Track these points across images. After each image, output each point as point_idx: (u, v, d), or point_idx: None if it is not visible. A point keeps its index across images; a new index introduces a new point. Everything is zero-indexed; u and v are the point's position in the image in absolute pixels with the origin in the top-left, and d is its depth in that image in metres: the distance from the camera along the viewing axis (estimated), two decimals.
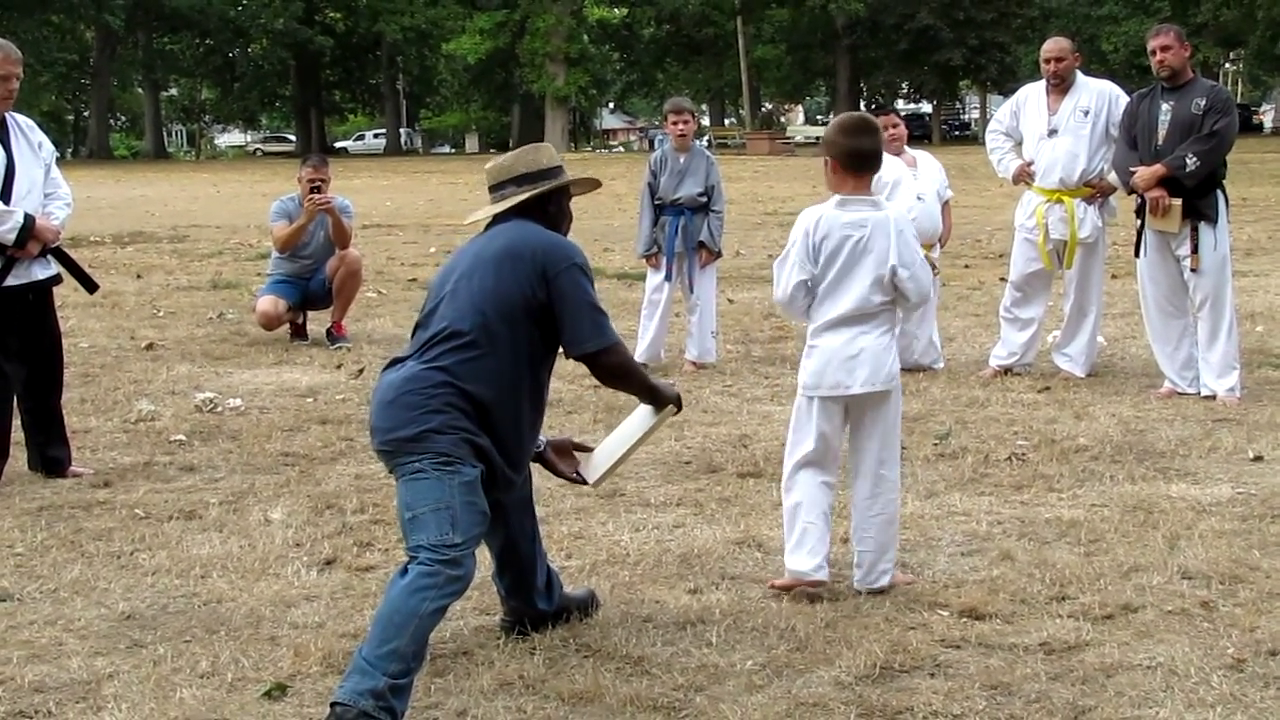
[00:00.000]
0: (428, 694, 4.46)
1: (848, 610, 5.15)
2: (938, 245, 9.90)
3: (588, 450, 5.13)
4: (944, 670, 4.58)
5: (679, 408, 5.02)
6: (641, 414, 5.02)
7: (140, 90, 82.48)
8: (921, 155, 10.10)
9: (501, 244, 4.67)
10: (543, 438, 4.97)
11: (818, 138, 68.70)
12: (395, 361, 4.67)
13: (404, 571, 4.28)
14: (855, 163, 5.29)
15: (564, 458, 5.05)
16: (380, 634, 4.15)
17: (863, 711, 4.27)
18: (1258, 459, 7.26)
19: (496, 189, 4.86)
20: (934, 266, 9.57)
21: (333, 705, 4.06)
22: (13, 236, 6.95)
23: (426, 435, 4.40)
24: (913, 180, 9.63)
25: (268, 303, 11.36)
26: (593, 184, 5.17)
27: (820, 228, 5.27)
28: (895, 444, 5.44)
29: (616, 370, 4.77)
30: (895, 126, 9.65)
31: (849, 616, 5.09)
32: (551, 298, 4.57)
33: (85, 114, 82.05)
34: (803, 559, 5.31)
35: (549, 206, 4.84)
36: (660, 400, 4.94)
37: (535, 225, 4.75)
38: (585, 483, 5.10)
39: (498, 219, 4.82)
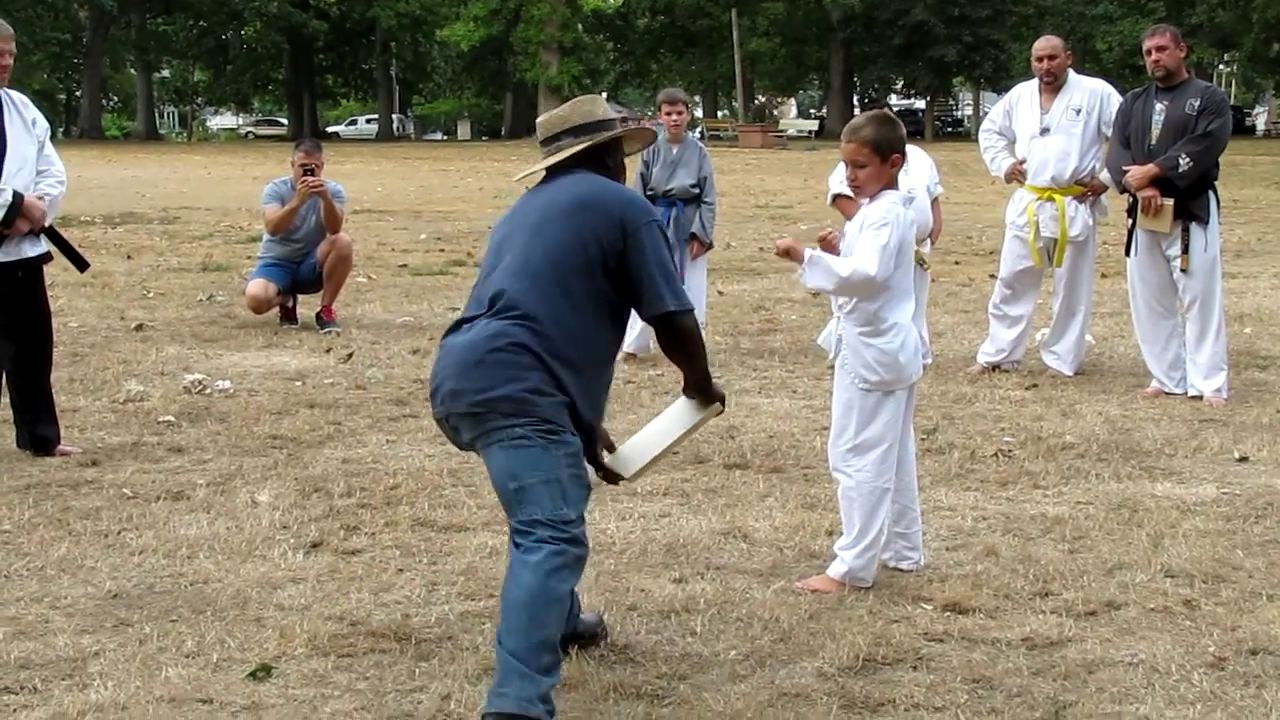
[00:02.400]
0: (412, 678, 4.48)
1: (831, 602, 5.17)
2: (929, 241, 9.90)
3: (612, 449, 4.76)
4: (926, 663, 4.60)
5: (724, 407, 4.78)
6: (683, 408, 4.74)
7: (133, 71, 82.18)
8: (912, 151, 10.03)
9: (575, 195, 4.40)
10: None
11: (810, 131, 69.15)
12: (462, 323, 4.36)
13: (520, 547, 4.07)
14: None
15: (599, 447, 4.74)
16: (527, 624, 3.95)
17: (845, 703, 4.29)
18: (1243, 460, 7.29)
19: (551, 140, 4.59)
20: (924, 262, 9.58)
21: (506, 716, 3.88)
22: (0, 215, 6.94)
23: (527, 398, 4.15)
24: (903, 177, 9.59)
25: (258, 286, 11.35)
26: (650, 136, 4.97)
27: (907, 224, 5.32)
28: None
29: (687, 336, 4.47)
30: None
31: (832, 609, 5.10)
32: (629, 252, 4.31)
33: (77, 94, 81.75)
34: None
35: (608, 159, 4.59)
36: (710, 394, 4.66)
37: (603, 177, 4.51)
38: (617, 480, 4.76)
39: (554, 172, 4.57)
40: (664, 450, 4.69)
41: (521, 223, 4.45)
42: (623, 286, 4.35)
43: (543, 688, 3.91)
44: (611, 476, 4.72)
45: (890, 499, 5.37)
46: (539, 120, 4.71)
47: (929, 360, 9.95)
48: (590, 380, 4.35)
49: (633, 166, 10.36)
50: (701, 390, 4.66)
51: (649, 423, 4.93)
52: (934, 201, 9.98)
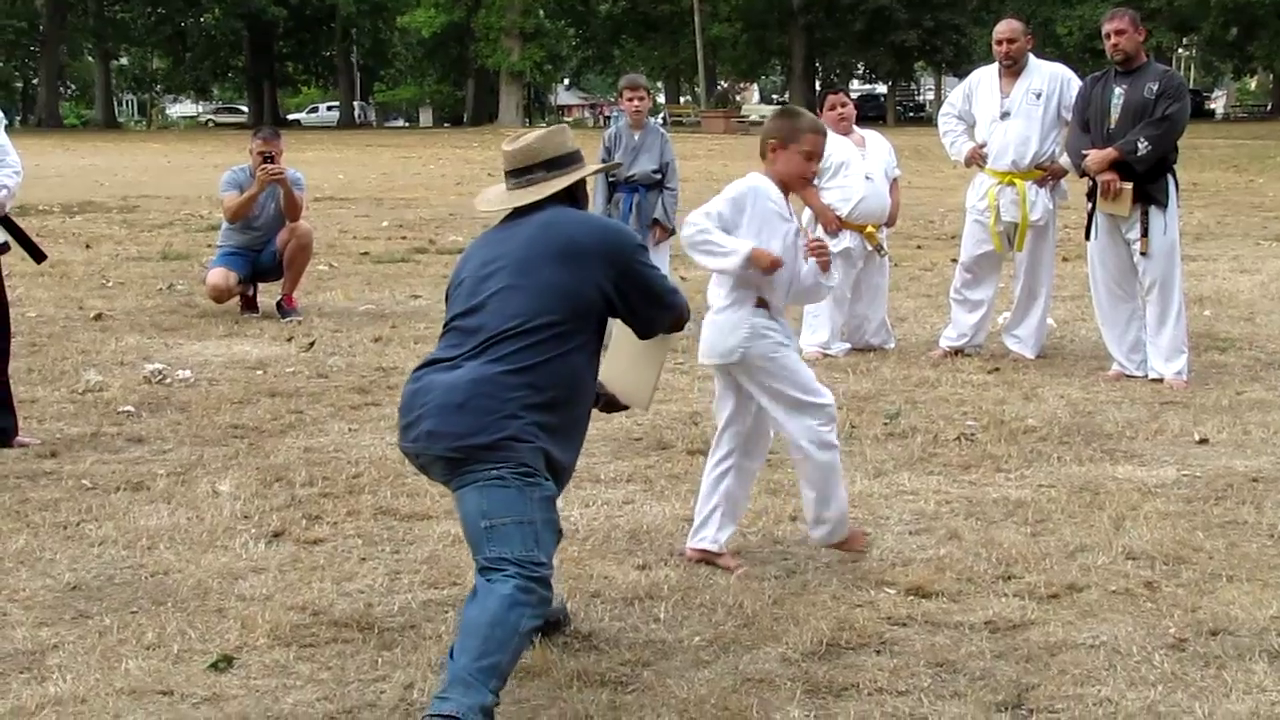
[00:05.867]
0: (375, 667, 4.46)
1: (795, 587, 5.18)
2: (885, 226, 9.92)
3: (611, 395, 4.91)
4: (890, 647, 4.61)
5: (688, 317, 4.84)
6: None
7: (91, 59, 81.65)
8: (870, 135, 10.09)
9: (565, 236, 4.40)
10: None
11: None
12: (438, 360, 4.32)
13: (489, 580, 3.99)
14: None
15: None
16: (481, 646, 3.87)
17: (809, 688, 4.29)
18: (1203, 442, 7.33)
19: (522, 173, 4.55)
20: (881, 248, 9.61)
21: (446, 717, 3.78)
22: None
23: (506, 443, 4.12)
24: (861, 160, 9.64)
25: (218, 275, 11.29)
26: (614, 168, 5.13)
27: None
28: None
29: (678, 327, 4.79)
30: (844, 106, 9.70)
31: (796, 594, 5.11)
32: (624, 292, 4.42)
33: (35, 82, 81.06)
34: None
35: (577, 192, 4.62)
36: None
37: (579, 211, 4.58)
38: (623, 408, 4.96)
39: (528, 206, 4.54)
40: (659, 372, 4.93)
41: (508, 260, 4.38)
42: (605, 319, 4.46)
43: (488, 701, 3.82)
44: (617, 407, 4.92)
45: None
46: (506, 149, 4.63)
47: (892, 345, 10.01)
48: (571, 425, 4.37)
49: (595, 152, 10.36)
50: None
51: (616, 350, 4.94)
52: (892, 184, 10.01)
